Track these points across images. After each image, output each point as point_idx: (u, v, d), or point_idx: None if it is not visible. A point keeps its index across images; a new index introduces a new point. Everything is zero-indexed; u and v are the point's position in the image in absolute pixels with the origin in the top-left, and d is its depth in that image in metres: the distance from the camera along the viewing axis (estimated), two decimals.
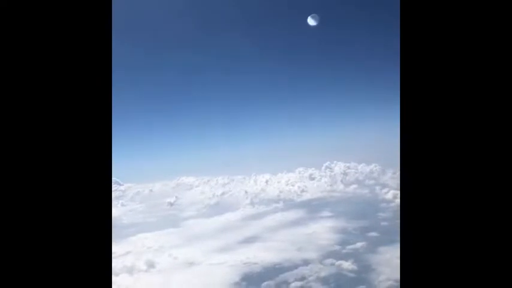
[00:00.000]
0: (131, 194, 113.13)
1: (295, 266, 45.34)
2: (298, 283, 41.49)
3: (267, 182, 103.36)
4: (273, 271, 44.79)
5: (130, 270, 48.80)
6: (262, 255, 49.69)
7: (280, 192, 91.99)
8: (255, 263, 47.53)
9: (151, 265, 50.06)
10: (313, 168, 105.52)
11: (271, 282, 41.62)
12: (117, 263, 51.50)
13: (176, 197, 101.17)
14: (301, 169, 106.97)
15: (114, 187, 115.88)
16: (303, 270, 43.97)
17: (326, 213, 68.69)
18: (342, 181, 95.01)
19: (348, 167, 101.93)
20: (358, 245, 50.26)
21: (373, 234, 53.85)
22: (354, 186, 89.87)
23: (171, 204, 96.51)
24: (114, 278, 46.90)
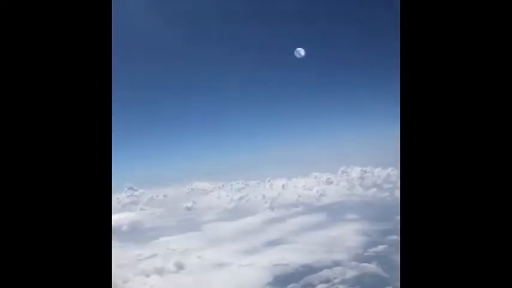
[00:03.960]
0: (146, 199, 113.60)
1: (324, 268, 45.51)
2: (324, 285, 41.79)
3: (283, 186, 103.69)
4: (305, 272, 44.98)
5: (160, 272, 49.21)
6: (291, 257, 49.92)
7: (299, 196, 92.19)
8: (286, 265, 47.76)
9: (180, 267, 50.43)
10: (328, 173, 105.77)
11: (296, 285, 41.89)
12: (145, 265, 52.11)
13: (193, 201, 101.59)
14: (316, 174, 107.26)
15: (129, 192, 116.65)
16: (327, 273, 44.16)
17: (348, 217, 68.76)
18: (360, 185, 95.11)
19: (365, 171, 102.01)
20: (381, 247, 50.40)
21: (395, 237, 53.92)
22: (374, 189, 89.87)
23: (189, 208, 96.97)
24: (145, 279, 47.46)
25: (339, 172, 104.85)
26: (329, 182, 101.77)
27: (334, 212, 74.16)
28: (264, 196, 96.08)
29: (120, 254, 60.24)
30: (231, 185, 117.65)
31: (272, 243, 58.16)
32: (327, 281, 42.76)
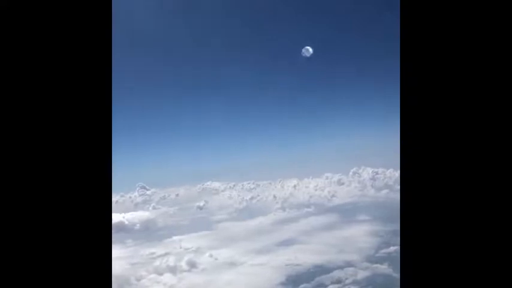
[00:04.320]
0: (158, 198, 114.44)
1: (336, 268, 45.55)
2: (335, 286, 41.88)
3: (294, 187, 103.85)
4: (316, 272, 45.08)
5: (173, 270, 49.59)
6: (303, 257, 50.03)
7: (310, 197, 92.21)
8: (298, 265, 47.91)
9: (193, 265, 50.79)
10: (340, 174, 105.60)
11: (308, 285, 42.03)
12: (159, 263, 52.52)
13: (205, 201, 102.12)
14: (328, 174, 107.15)
15: (141, 192, 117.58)
16: (339, 273, 44.19)
17: (360, 218, 68.65)
18: (372, 186, 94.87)
19: (376, 173, 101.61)
20: (392, 248, 50.24)
21: None
22: (386, 191, 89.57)
23: (201, 208, 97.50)
24: (158, 277, 47.89)
25: (351, 173, 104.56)
26: (340, 183, 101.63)
27: (346, 212, 74.03)
28: (275, 196, 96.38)
29: (134, 253, 60.99)
30: (242, 185, 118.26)
31: (284, 243, 58.28)
32: (339, 281, 42.78)
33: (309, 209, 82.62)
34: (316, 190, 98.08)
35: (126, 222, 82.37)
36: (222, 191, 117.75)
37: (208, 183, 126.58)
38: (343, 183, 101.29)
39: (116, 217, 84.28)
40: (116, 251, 63.89)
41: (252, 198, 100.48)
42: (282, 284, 43.22)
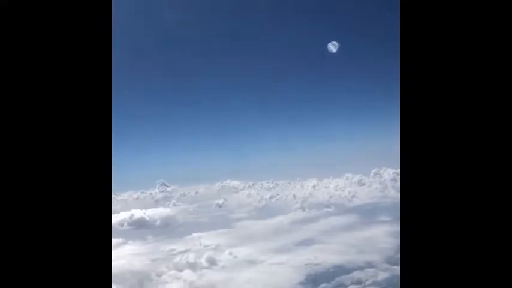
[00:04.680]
0: (178, 195, 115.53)
1: (356, 269, 45.26)
2: (355, 286, 41.59)
3: (314, 187, 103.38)
4: (336, 272, 44.89)
5: (193, 267, 50.08)
6: (322, 257, 49.87)
7: (330, 197, 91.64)
8: (317, 264, 47.79)
9: (213, 262, 51.20)
10: (360, 174, 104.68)
11: (327, 285, 41.86)
12: (179, 259, 53.16)
13: (224, 199, 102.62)
14: (348, 175, 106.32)
15: (162, 188, 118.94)
16: (359, 274, 43.89)
17: (381, 218, 67.94)
18: (393, 187, 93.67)
19: (397, 173, 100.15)
20: None
21: None
22: None
23: (220, 206, 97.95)
24: (178, 274, 48.42)
25: (372, 174, 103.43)
26: (361, 184, 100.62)
27: (366, 213, 73.38)
28: (294, 196, 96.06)
29: (154, 249, 61.81)
30: (261, 184, 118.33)
31: (303, 243, 58.20)
32: (359, 282, 42.54)
33: (328, 209, 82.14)
34: (336, 190, 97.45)
35: (147, 218, 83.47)
36: (241, 189, 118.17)
37: (227, 181, 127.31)
38: (363, 184, 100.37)
39: (137, 213, 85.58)
40: (137, 247, 65.00)
41: (271, 197, 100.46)
42: (302, 283, 43.22)
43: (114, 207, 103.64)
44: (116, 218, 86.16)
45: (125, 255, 58.48)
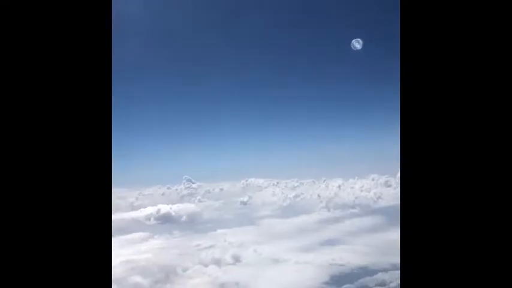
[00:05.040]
0: (203, 192, 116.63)
1: (380, 271, 44.87)
2: None
3: (339, 187, 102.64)
4: (360, 274, 44.66)
5: (218, 263, 50.68)
6: (347, 257, 49.65)
7: (356, 197, 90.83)
8: (342, 265, 47.64)
9: (237, 259, 51.71)
10: (387, 176, 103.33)
11: (351, 286, 41.66)
12: (204, 255, 53.86)
13: (249, 196, 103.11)
14: (374, 176, 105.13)
15: (187, 185, 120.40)
16: (383, 276, 43.46)
17: None
18: None
19: None
20: None
21: None
22: None
23: (244, 203, 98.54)
24: (204, 269, 49.06)
25: (398, 175, 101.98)
26: (387, 185, 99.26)
27: (392, 215, 72.34)
28: (319, 195, 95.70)
29: (180, 243, 62.77)
30: (286, 182, 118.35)
31: (328, 243, 58.04)
32: (383, 284, 42.17)
33: (354, 210, 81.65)
34: (361, 191, 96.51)
35: (173, 214, 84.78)
36: (265, 187, 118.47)
37: (251, 179, 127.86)
38: (390, 185, 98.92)
39: (164, 208, 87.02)
40: (163, 241, 66.13)
41: (295, 196, 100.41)
42: (326, 283, 43.17)
43: (141, 201, 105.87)
44: (142, 213, 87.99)
45: (151, 249, 59.72)
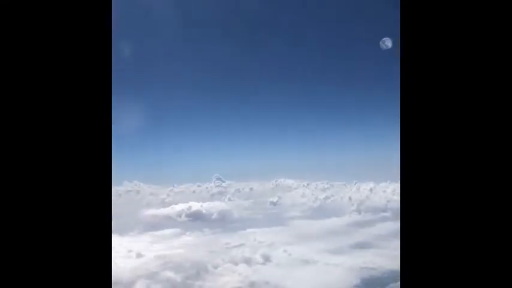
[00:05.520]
0: (232, 191, 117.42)
1: None
2: None
3: (371, 190, 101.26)
4: (391, 278, 43.94)
5: (248, 262, 50.86)
6: (378, 261, 48.99)
7: (388, 201, 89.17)
8: (374, 269, 47.06)
9: (267, 259, 51.74)
10: None
11: None
12: (235, 253, 54.24)
13: (278, 197, 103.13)
14: None
15: (217, 183, 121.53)
16: None
17: None
18: None
19: None
20: None
21: None
22: None
23: (274, 203, 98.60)
24: (234, 267, 49.40)
25: None
26: None
27: None
28: (350, 198, 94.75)
29: (211, 241, 63.41)
30: (316, 184, 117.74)
31: (359, 246, 57.41)
32: None
33: (385, 214, 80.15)
34: (394, 195, 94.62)
35: (204, 211, 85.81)
36: (295, 188, 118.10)
37: (281, 179, 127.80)
38: None
39: (195, 205, 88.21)
40: (194, 238, 67.03)
41: (326, 198, 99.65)
42: (357, 286, 42.78)
43: (172, 198, 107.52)
44: (174, 209, 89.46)
45: (184, 245, 60.66)
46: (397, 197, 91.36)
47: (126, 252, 54.27)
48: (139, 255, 53.11)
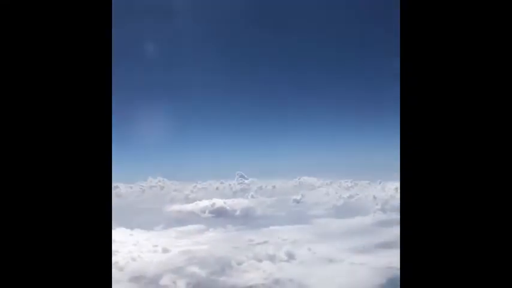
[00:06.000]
0: (255, 188, 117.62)
1: None
2: None
3: (396, 189, 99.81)
4: None
5: (272, 259, 50.95)
6: None
7: None
8: (399, 269, 46.42)
9: (291, 256, 51.71)
10: None
11: None
12: (258, 250, 54.41)
13: (301, 194, 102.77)
14: None
15: (240, 180, 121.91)
16: None
17: None
18: None
19: None
20: None
21: None
22: None
23: (297, 201, 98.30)
24: (258, 264, 49.55)
25: None
26: None
27: None
28: (375, 197, 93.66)
29: (235, 237, 63.80)
30: (340, 182, 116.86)
31: (384, 245, 56.63)
32: None
33: None
34: None
35: (227, 208, 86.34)
36: (318, 186, 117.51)
37: (304, 177, 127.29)
38: None
39: (218, 202, 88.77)
40: (218, 234, 67.52)
41: (350, 196, 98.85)
42: (382, 286, 42.29)
43: (195, 195, 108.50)
44: (198, 205, 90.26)
45: (208, 241, 61.14)
46: None
47: (152, 247, 55.13)
48: (165, 250, 53.83)
